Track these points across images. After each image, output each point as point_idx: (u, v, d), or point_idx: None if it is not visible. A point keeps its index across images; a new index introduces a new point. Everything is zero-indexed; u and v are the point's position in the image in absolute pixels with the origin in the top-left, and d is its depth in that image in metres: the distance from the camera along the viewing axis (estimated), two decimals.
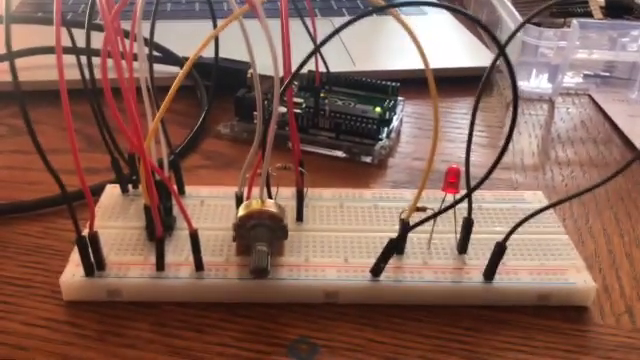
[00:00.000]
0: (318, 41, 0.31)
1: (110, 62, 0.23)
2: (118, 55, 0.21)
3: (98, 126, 0.27)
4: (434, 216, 0.25)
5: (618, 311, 0.25)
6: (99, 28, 0.25)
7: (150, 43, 0.26)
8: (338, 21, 0.53)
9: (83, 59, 0.26)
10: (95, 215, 0.24)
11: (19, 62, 0.45)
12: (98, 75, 0.26)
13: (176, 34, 0.44)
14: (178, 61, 0.42)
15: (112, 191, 0.30)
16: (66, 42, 0.42)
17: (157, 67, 0.27)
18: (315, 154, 0.36)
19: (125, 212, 0.28)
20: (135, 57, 0.25)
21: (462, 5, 0.65)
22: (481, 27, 0.21)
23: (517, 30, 0.22)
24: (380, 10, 0.20)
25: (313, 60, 0.33)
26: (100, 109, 0.27)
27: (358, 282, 0.25)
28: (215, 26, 0.31)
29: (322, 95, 0.37)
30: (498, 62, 0.45)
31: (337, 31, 0.21)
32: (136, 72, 0.24)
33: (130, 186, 0.30)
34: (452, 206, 0.24)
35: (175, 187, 0.29)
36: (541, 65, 0.45)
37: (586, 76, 0.47)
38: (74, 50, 0.26)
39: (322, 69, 0.35)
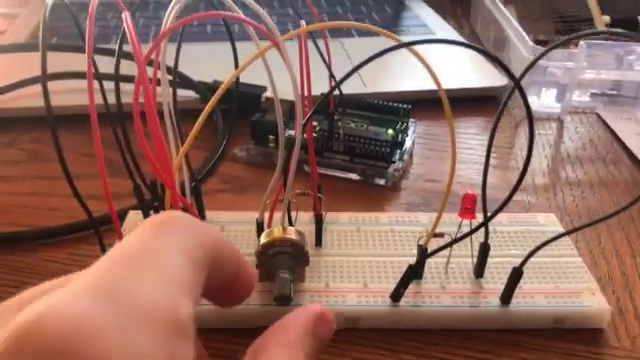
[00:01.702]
0: (332, 65, 0.32)
1: (127, 87, 0.24)
2: (147, 86, 0.22)
3: (121, 153, 0.28)
4: (451, 244, 0.25)
5: (633, 333, 0.26)
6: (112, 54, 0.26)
7: (174, 72, 0.27)
8: (347, 42, 0.54)
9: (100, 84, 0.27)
10: None
11: (37, 88, 0.46)
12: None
13: (188, 57, 0.45)
14: (193, 85, 0.42)
15: (135, 217, 0.30)
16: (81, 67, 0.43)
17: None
18: (329, 177, 0.36)
19: None
20: (158, 83, 0.26)
21: (469, 23, 0.66)
22: (499, 65, 0.22)
23: (533, 63, 0.22)
24: (402, 47, 0.21)
25: (326, 82, 0.34)
26: (125, 135, 0.27)
27: (378, 307, 0.26)
28: (234, 50, 0.31)
29: (335, 118, 0.37)
30: (507, 82, 0.46)
31: (358, 68, 0.21)
32: (159, 97, 0.25)
33: (152, 212, 0.30)
34: (469, 234, 0.25)
35: (197, 214, 0.30)
36: (549, 84, 0.45)
37: (593, 95, 0.47)
38: (98, 76, 0.27)
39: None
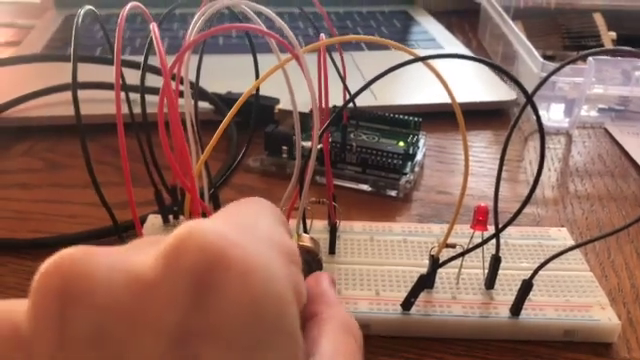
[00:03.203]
0: (348, 78, 0.33)
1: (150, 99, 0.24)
2: (172, 95, 0.23)
3: (144, 159, 0.29)
4: (463, 254, 0.26)
5: None
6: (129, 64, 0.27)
7: (196, 84, 0.28)
8: (358, 55, 0.55)
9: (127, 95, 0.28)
10: None
11: (52, 98, 0.46)
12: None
13: (201, 68, 0.46)
14: (207, 97, 0.43)
15: (154, 221, 0.31)
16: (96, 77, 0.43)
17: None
18: (341, 188, 0.37)
19: None
20: (181, 94, 0.26)
21: (476, 38, 0.66)
22: (513, 81, 0.23)
23: (545, 80, 0.23)
24: (418, 61, 0.22)
25: (338, 95, 0.34)
26: (149, 141, 0.28)
27: (389, 315, 0.26)
28: (255, 62, 0.32)
29: (347, 130, 0.38)
30: (516, 96, 0.47)
31: (373, 81, 0.22)
32: (180, 108, 0.26)
33: (171, 216, 0.31)
34: (480, 245, 0.25)
35: None
36: (558, 99, 0.46)
37: (601, 109, 0.48)
38: (125, 87, 0.28)
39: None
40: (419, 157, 0.39)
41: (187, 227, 0.14)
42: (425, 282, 0.26)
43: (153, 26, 0.19)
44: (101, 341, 0.12)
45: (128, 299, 0.13)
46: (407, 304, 0.26)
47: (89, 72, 0.44)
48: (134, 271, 0.13)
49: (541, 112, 0.46)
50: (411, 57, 0.22)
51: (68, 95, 0.43)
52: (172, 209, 0.31)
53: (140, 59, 0.27)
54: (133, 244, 0.15)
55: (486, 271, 0.27)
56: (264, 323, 0.13)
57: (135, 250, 0.14)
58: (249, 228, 0.16)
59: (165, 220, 0.31)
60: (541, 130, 0.22)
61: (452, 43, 0.61)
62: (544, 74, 0.44)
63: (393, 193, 0.36)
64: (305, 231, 0.28)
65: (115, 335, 0.12)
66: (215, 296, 0.13)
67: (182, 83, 0.27)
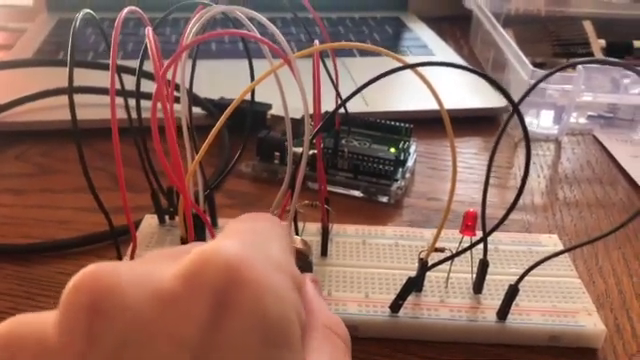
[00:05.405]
0: (339, 84, 0.33)
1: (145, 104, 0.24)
2: (165, 97, 0.23)
3: (141, 161, 0.29)
4: (451, 257, 0.26)
5: (630, 351, 0.26)
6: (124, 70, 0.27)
7: (190, 88, 0.28)
8: (349, 61, 0.55)
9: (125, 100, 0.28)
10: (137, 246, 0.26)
11: (45, 102, 0.46)
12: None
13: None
14: (199, 102, 0.43)
15: (150, 221, 0.32)
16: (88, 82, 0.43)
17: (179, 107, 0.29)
18: (333, 193, 0.37)
19: (162, 242, 0.30)
20: (176, 100, 0.27)
21: (467, 45, 0.67)
22: (500, 90, 0.23)
23: (532, 88, 0.23)
24: (408, 68, 0.22)
25: (329, 100, 0.35)
26: (144, 143, 0.28)
27: (377, 317, 0.26)
28: (251, 67, 0.32)
29: (339, 136, 0.38)
30: (506, 103, 0.47)
31: (364, 86, 0.22)
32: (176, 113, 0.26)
33: (167, 217, 0.32)
34: (469, 249, 0.26)
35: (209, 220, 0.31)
36: (548, 106, 0.46)
37: (590, 117, 0.49)
38: (123, 92, 0.28)
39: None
40: (410, 163, 0.39)
41: (210, 246, 0.15)
42: (414, 285, 0.26)
43: (148, 30, 0.19)
44: (124, 353, 0.13)
45: (149, 312, 0.13)
46: (395, 306, 0.26)
47: (79, 77, 0.44)
48: (156, 285, 0.14)
49: (530, 119, 0.47)
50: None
51: (61, 100, 0.43)
52: (168, 210, 0.31)
53: (131, 64, 0.27)
54: (149, 257, 0.16)
55: (474, 276, 0.28)
56: (273, 342, 0.14)
57: (154, 264, 0.15)
58: (263, 252, 0.17)
59: (161, 221, 0.31)
60: (527, 139, 0.23)
61: (444, 50, 0.61)
62: (534, 81, 0.45)
63: (384, 199, 0.36)
64: (297, 233, 0.28)
65: (137, 347, 0.13)
66: (229, 315, 0.14)
67: (176, 89, 0.27)
